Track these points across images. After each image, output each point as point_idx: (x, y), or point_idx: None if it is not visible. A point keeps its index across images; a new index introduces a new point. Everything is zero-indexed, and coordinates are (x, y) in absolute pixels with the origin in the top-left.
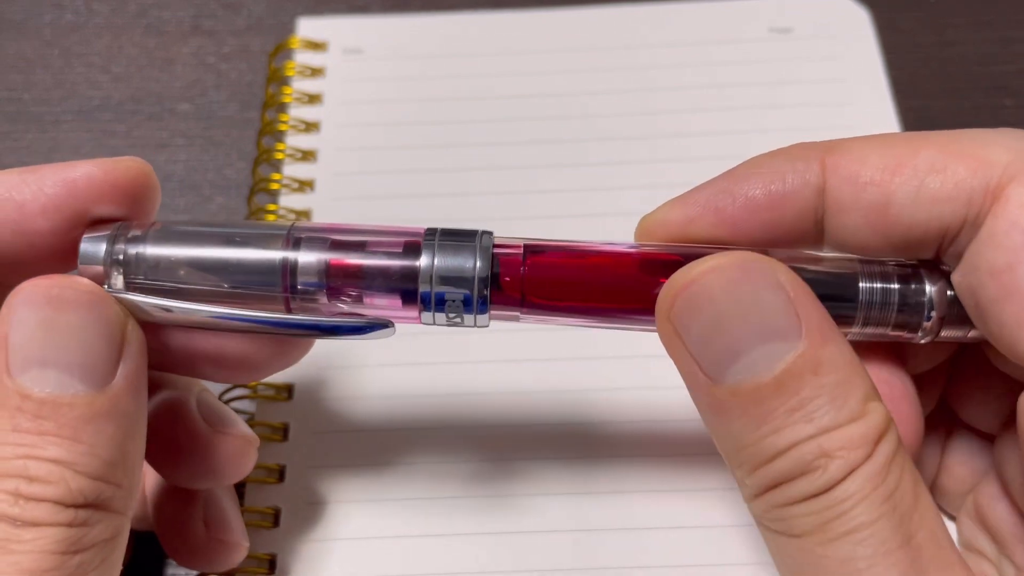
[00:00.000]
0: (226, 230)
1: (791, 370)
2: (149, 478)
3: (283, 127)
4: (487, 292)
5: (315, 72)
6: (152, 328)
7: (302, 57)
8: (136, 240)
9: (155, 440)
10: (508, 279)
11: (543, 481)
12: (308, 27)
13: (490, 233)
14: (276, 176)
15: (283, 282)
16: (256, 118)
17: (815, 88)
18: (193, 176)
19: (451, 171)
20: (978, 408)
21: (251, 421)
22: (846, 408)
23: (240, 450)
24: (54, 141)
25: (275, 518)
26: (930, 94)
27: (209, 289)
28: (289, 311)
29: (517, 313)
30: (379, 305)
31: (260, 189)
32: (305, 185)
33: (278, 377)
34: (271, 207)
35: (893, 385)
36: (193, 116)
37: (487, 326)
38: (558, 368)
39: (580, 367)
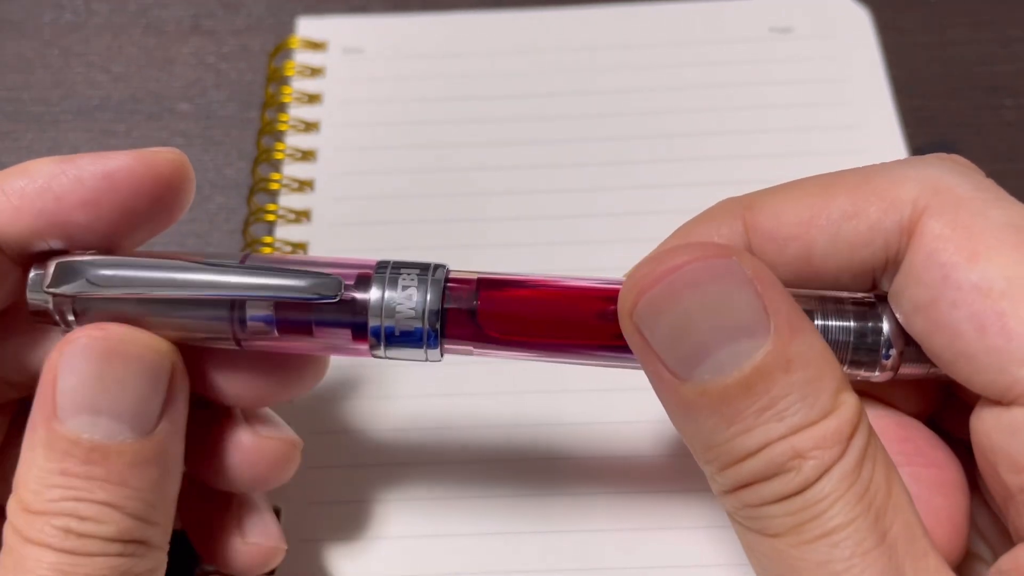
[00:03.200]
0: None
1: (761, 368)
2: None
3: (283, 127)
4: (438, 326)
5: (315, 72)
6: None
7: (302, 57)
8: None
9: (200, 445)
10: (460, 313)
11: (540, 482)
12: (308, 27)
13: (443, 266)
14: (276, 176)
15: (231, 315)
16: (256, 118)
17: (815, 88)
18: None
19: (451, 171)
20: (958, 423)
21: None
22: (818, 404)
23: (284, 454)
24: (53, 141)
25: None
26: (930, 94)
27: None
28: (239, 345)
29: (470, 348)
30: (330, 338)
31: (260, 189)
32: (305, 185)
33: None
34: (271, 207)
35: (944, 470)
36: (193, 116)
37: (440, 360)
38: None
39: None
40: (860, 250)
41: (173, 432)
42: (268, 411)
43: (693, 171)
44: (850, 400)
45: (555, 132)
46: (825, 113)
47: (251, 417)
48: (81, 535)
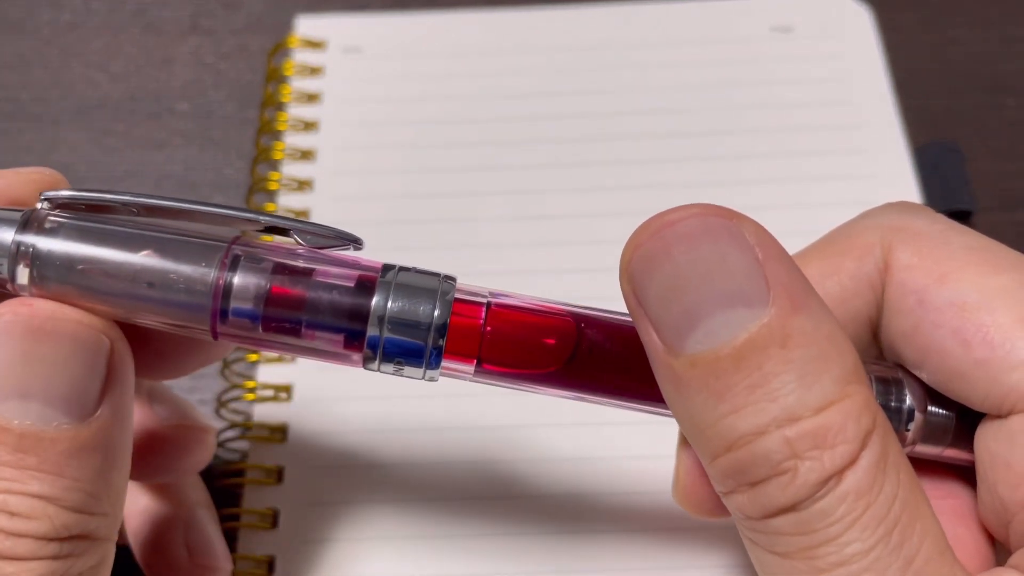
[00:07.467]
0: (159, 233)
1: (754, 341)
2: (127, 499)
3: (282, 126)
4: (442, 344)
5: (314, 71)
6: None
7: (301, 56)
8: (50, 231)
9: None
10: (465, 334)
11: (542, 483)
12: (307, 26)
13: (452, 278)
14: (275, 175)
15: (213, 304)
16: (255, 117)
17: (816, 87)
18: (191, 175)
19: (450, 171)
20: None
21: (249, 422)
22: (816, 389)
23: (197, 440)
24: (52, 140)
25: (274, 519)
26: (931, 93)
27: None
28: (215, 337)
29: (470, 371)
30: (319, 343)
31: (259, 188)
32: (304, 184)
33: (278, 378)
34: (270, 206)
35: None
36: (192, 115)
37: (436, 381)
38: None
39: None
40: (850, 302)
41: (116, 417)
42: (178, 398)
43: (694, 171)
44: (861, 394)
45: (554, 131)
46: (826, 112)
47: (161, 405)
48: (11, 534)
